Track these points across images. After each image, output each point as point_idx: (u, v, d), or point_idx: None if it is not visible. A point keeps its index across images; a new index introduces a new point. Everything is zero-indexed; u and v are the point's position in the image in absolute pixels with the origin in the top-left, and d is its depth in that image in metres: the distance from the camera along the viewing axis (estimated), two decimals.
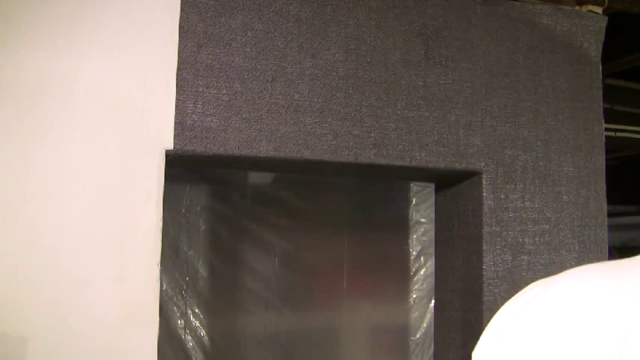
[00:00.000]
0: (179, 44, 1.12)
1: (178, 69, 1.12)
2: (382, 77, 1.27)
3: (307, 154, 1.19)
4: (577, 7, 1.49)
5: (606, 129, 1.48)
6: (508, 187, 1.35)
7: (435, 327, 1.54)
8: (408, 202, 1.96)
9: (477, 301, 1.32)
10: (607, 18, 1.50)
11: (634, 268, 0.47)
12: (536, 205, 1.37)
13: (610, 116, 1.96)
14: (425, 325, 1.94)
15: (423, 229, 1.97)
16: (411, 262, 1.94)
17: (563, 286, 0.49)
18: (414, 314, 1.93)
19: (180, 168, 1.50)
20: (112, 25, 1.08)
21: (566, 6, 1.47)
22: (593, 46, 1.47)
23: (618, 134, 2.97)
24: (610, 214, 1.48)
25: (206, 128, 1.12)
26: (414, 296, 1.94)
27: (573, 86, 1.44)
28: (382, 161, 1.25)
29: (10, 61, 1.02)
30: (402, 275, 1.92)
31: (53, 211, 1.02)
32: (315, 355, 1.84)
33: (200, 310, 1.70)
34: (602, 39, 1.48)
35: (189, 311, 1.69)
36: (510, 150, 1.36)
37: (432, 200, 1.67)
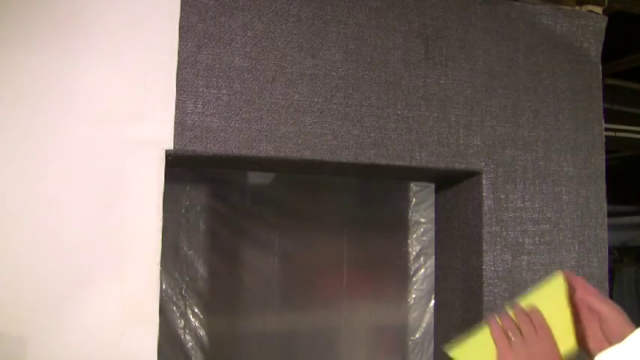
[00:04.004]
0: (179, 44, 1.12)
1: (178, 69, 1.12)
2: (382, 77, 1.27)
3: (307, 154, 1.19)
4: (577, 7, 1.49)
5: (606, 129, 1.48)
6: (508, 187, 1.35)
7: (435, 327, 1.54)
8: (407, 202, 1.96)
9: (476, 301, 1.32)
10: (607, 18, 1.50)
11: None
12: (536, 205, 1.37)
13: (610, 116, 1.96)
14: (424, 324, 1.94)
15: (422, 229, 1.97)
16: (411, 262, 1.94)
17: None
18: (414, 314, 1.94)
19: (180, 168, 1.50)
20: (112, 26, 1.08)
21: (566, 6, 1.47)
22: (593, 46, 1.47)
23: (618, 134, 2.96)
24: (610, 214, 1.48)
25: (206, 128, 1.12)
26: (414, 296, 1.94)
27: (573, 86, 1.44)
28: (382, 161, 1.24)
29: (11, 61, 1.02)
30: (401, 275, 1.92)
31: (53, 211, 1.02)
32: (315, 355, 1.84)
33: (200, 310, 1.70)
34: (602, 39, 1.48)
35: (189, 311, 1.69)
36: (510, 150, 1.36)
37: (432, 200, 1.67)
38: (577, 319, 0.92)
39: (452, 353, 1.03)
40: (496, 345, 0.95)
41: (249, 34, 1.17)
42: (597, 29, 1.48)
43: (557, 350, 0.91)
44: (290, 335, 1.80)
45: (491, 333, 0.98)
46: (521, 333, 0.93)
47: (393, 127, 1.26)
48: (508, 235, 1.34)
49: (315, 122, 1.20)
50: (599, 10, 1.50)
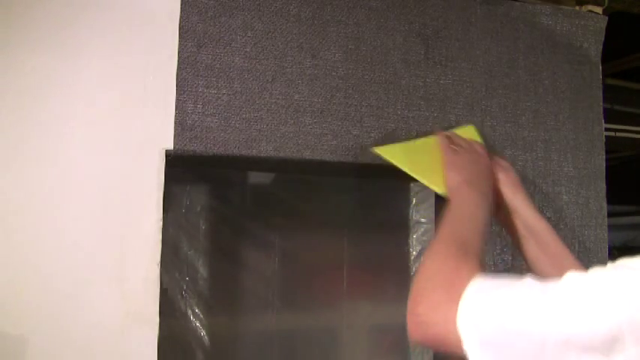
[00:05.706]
0: (179, 44, 1.12)
1: (178, 69, 1.12)
2: (382, 77, 1.27)
3: (307, 154, 1.19)
4: (577, 7, 1.49)
5: (606, 129, 1.48)
6: None
7: None
8: (407, 202, 1.96)
9: None
10: (607, 18, 1.50)
11: None
12: (536, 205, 1.37)
13: (610, 116, 1.96)
14: None
15: (423, 229, 1.96)
16: (411, 262, 1.94)
17: None
18: None
19: (180, 168, 1.49)
20: (112, 26, 1.08)
21: (566, 6, 1.47)
22: (593, 46, 1.47)
23: (618, 134, 2.96)
24: (610, 214, 1.48)
25: (206, 128, 1.12)
26: None
27: (573, 86, 1.44)
28: (382, 161, 1.24)
29: (11, 62, 1.02)
30: (401, 275, 1.92)
31: (53, 212, 1.02)
32: (315, 355, 1.84)
33: (200, 310, 1.70)
34: (602, 39, 1.48)
35: (189, 311, 1.69)
36: (510, 150, 1.36)
37: (432, 200, 1.67)
38: None
39: (376, 149, 1.20)
40: (443, 152, 1.16)
41: (249, 34, 1.17)
42: (597, 29, 1.48)
43: (487, 157, 1.14)
44: (290, 335, 1.80)
45: (440, 142, 1.19)
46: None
47: (393, 127, 1.26)
48: (508, 235, 1.34)
49: (315, 122, 1.20)
50: (599, 10, 1.50)
